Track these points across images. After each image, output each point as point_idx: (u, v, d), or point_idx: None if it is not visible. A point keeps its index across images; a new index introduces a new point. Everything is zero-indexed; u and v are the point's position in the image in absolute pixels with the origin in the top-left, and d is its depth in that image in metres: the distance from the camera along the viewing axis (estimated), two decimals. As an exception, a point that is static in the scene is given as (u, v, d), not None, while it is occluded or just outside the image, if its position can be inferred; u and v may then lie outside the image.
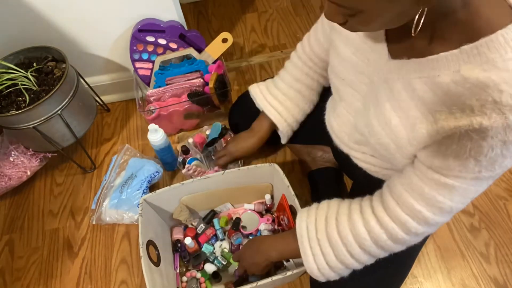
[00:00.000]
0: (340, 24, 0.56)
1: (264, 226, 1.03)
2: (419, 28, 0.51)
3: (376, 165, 0.78)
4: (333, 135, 0.86)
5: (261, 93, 1.00)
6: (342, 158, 0.86)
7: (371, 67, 0.66)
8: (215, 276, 0.97)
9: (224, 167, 1.09)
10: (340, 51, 0.72)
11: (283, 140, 1.03)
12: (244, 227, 1.05)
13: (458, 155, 0.53)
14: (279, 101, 0.97)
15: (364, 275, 0.77)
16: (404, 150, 0.61)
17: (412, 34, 0.52)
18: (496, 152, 0.50)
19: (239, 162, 1.17)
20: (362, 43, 0.66)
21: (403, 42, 0.59)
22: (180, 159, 1.17)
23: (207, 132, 1.23)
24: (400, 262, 0.81)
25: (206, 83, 1.24)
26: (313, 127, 1.02)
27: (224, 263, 0.99)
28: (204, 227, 1.05)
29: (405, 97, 0.58)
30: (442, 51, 0.52)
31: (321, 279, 0.73)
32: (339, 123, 0.82)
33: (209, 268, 0.99)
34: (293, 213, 0.92)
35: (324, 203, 0.75)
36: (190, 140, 1.20)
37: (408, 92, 0.58)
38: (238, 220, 1.04)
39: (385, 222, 0.64)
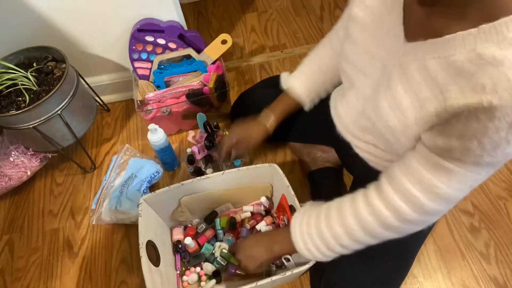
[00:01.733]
0: None
1: (264, 227, 1.03)
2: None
3: (377, 156, 0.79)
4: (338, 123, 0.86)
5: (287, 74, 1.01)
6: (343, 148, 0.86)
7: (385, 52, 0.66)
8: (216, 275, 0.97)
9: (226, 156, 1.07)
10: (355, 37, 0.72)
11: (306, 107, 1.00)
12: None
13: (462, 136, 0.51)
14: (302, 72, 0.98)
15: (363, 272, 0.77)
16: (410, 131, 0.60)
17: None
18: (501, 135, 0.49)
19: (246, 153, 1.16)
20: (378, 29, 0.66)
21: (420, 24, 0.58)
22: (191, 169, 1.17)
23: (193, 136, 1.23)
24: (400, 259, 0.81)
25: (205, 84, 1.24)
26: (314, 126, 1.02)
27: (224, 264, 0.99)
28: (204, 226, 1.05)
29: (418, 78, 0.57)
30: (459, 30, 0.51)
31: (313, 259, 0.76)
32: (346, 110, 0.82)
33: (208, 268, 0.99)
34: (293, 213, 0.92)
35: (321, 202, 0.76)
36: (189, 150, 1.20)
37: (421, 73, 0.57)
38: (233, 220, 1.04)
39: (377, 208, 0.64)
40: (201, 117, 1.16)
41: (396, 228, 0.65)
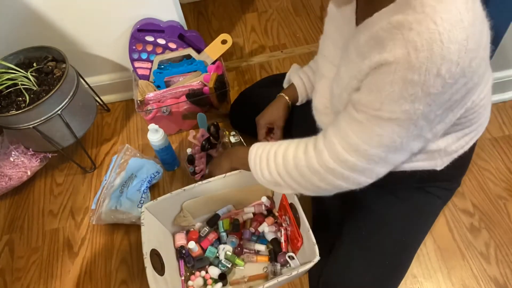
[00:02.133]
0: None
1: (267, 228, 1.04)
2: None
3: None
4: (317, 115, 0.88)
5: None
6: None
7: (344, 39, 0.73)
8: (221, 278, 0.97)
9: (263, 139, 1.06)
10: (326, 30, 0.84)
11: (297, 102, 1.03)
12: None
13: (368, 89, 0.57)
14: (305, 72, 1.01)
15: (361, 271, 0.77)
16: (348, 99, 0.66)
17: None
18: (395, 89, 0.52)
19: (280, 135, 1.14)
20: (341, 19, 0.75)
21: (362, 9, 0.67)
22: (191, 169, 1.17)
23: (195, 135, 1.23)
24: (398, 258, 0.81)
25: (205, 84, 1.24)
26: (314, 127, 1.02)
27: (229, 266, 0.99)
28: (207, 230, 1.04)
29: (354, 55, 0.64)
30: (383, 7, 0.57)
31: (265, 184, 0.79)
32: (322, 101, 0.84)
33: (213, 271, 0.99)
34: (294, 211, 0.92)
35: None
36: (189, 150, 1.20)
37: (356, 49, 0.63)
38: (237, 221, 1.04)
39: (309, 150, 0.69)
40: (201, 117, 1.16)
41: (322, 175, 0.67)
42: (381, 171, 0.63)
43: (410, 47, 0.49)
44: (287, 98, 1.01)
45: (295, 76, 1.01)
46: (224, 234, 1.04)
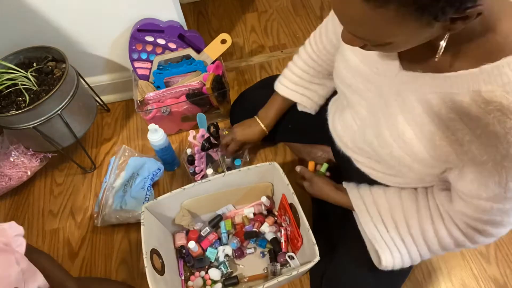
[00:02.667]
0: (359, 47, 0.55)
1: (268, 228, 1.04)
2: (441, 51, 0.50)
3: (379, 171, 0.77)
4: (336, 138, 0.86)
5: (278, 82, 1.01)
6: (343, 161, 0.85)
7: (380, 77, 0.65)
8: (232, 284, 0.98)
9: (232, 154, 1.10)
10: (348, 58, 0.71)
11: (300, 108, 1.01)
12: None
13: (500, 183, 0.53)
14: (291, 81, 0.98)
15: (365, 273, 0.77)
16: (426, 162, 0.61)
17: (436, 59, 0.51)
18: None
19: (246, 153, 1.17)
20: (371, 52, 0.65)
21: (417, 54, 0.58)
22: (191, 169, 1.17)
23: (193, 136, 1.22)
24: None
25: (204, 84, 1.24)
26: (314, 127, 1.02)
27: (230, 270, 1.00)
28: (209, 230, 1.04)
29: (420, 111, 0.57)
30: (460, 68, 0.51)
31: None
32: (344, 128, 0.81)
33: (214, 273, 0.99)
34: (294, 211, 0.92)
35: (379, 192, 0.76)
36: (189, 151, 1.20)
37: (423, 106, 0.57)
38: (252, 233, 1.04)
39: (455, 234, 0.65)
40: (201, 117, 1.16)
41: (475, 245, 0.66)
42: None
43: None
44: (263, 126, 1.03)
45: (296, 95, 0.98)
46: (225, 234, 1.04)
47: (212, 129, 1.10)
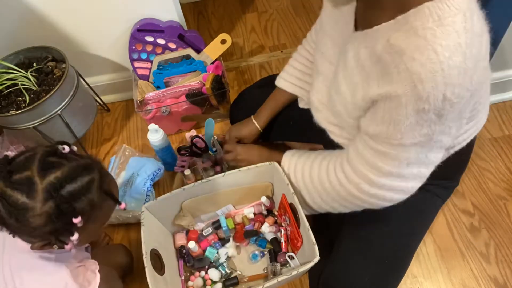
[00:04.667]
0: None
1: (268, 228, 1.04)
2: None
3: (346, 138, 0.80)
4: (314, 111, 0.88)
5: (279, 77, 1.03)
6: (323, 137, 0.86)
7: (341, 39, 0.72)
8: (232, 284, 0.97)
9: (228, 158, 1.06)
10: (324, 25, 0.80)
11: (301, 104, 1.01)
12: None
13: (384, 122, 0.59)
14: (292, 75, 1.00)
15: (360, 272, 0.77)
16: (352, 114, 0.67)
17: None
18: (411, 120, 0.55)
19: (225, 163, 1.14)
20: (340, 16, 0.73)
21: (360, 14, 0.66)
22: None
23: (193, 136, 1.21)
24: (397, 259, 0.81)
25: (204, 84, 1.24)
26: (312, 126, 1.02)
27: (229, 271, 0.99)
28: (211, 230, 1.04)
29: (352, 64, 0.64)
30: (382, 22, 0.57)
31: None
32: (318, 98, 0.84)
33: (214, 274, 0.99)
34: (294, 211, 0.92)
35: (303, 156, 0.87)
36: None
37: (356, 60, 0.63)
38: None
39: (344, 184, 0.73)
40: (209, 123, 1.14)
41: (364, 199, 0.71)
42: (416, 185, 0.67)
43: (416, 79, 0.51)
44: (257, 126, 1.04)
45: (295, 88, 0.99)
46: (226, 228, 1.03)
47: (213, 142, 1.11)
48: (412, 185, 0.67)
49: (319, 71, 0.83)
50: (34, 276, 0.70)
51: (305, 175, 0.84)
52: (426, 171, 0.65)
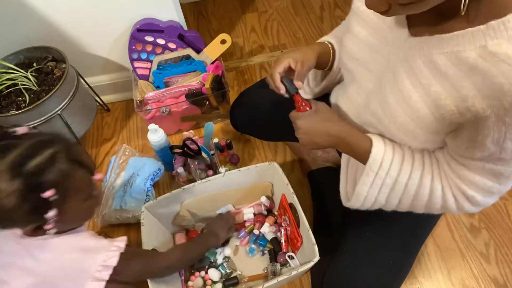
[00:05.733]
0: (381, 12, 0.56)
1: (268, 228, 1.04)
2: (465, 7, 0.51)
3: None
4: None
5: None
6: None
7: (388, 46, 0.66)
8: (232, 284, 0.97)
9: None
10: (356, 32, 0.73)
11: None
12: None
13: (497, 141, 0.53)
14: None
15: (365, 271, 0.77)
16: (430, 126, 0.61)
17: (462, 13, 0.52)
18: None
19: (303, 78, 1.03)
20: (381, 23, 0.67)
21: (424, 19, 0.59)
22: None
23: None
24: (402, 258, 0.81)
25: (204, 83, 1.24)
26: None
27: (229, 271, 0.99)
28: None
29: (426, 73, 0.58)
30: (467, 27, 0.52)
31: (356, 204, 0.73)
32: (348, 105, 0.81)
33: (213, 274, 0.99)
34: (293, 211, 0.92)
35: (399, 150, 0.71)
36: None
37: (430, 68, 0.58)
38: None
39: (450, 201, 0.66)
40: (208, 127, 1.14)
41: (453, 212, 0.68)
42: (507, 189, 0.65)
43: None
44: (327, 46, 0.87)
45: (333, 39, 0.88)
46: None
47: (211, 145, 1.10)
48: (505, 190, 0.65)
49: (354, 79, 0.77)
50: (54, 240, 0.69)
51: (401, 178, 0.69)
52: None
